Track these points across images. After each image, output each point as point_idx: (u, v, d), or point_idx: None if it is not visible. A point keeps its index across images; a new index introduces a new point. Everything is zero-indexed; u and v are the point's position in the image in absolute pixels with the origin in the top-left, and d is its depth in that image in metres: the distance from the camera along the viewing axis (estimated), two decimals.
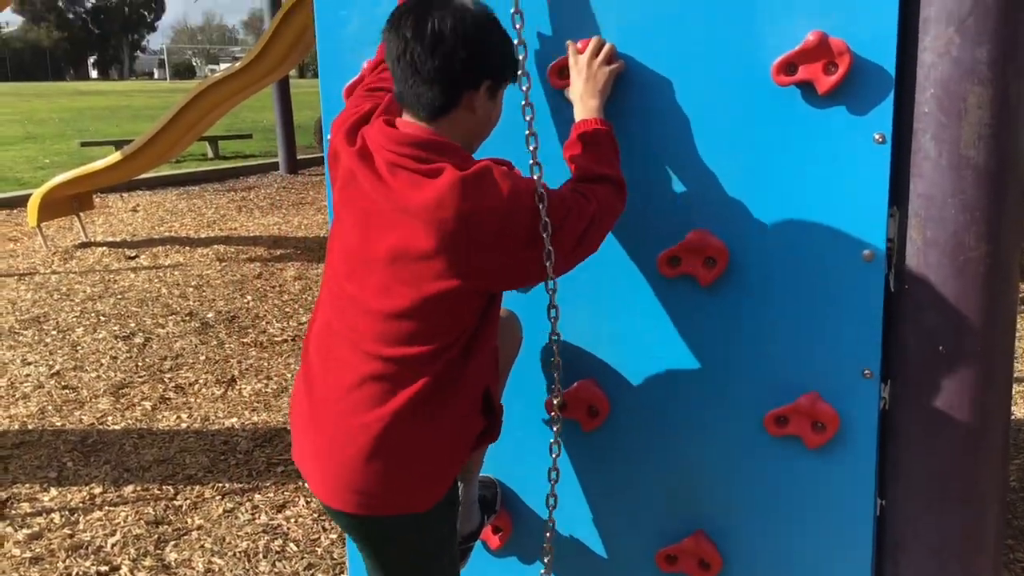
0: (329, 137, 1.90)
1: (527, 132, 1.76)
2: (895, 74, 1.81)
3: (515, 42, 1.73)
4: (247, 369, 4.87)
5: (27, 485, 3.54)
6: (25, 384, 4.70)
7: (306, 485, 3.46)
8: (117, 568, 2.96)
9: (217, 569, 2.95)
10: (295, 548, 3.08)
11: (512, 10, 1.78)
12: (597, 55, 1.94)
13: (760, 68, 1.89)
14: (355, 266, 1.71)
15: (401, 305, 1.64)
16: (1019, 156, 1.80)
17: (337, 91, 2.21)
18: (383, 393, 1.67)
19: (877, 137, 1.83)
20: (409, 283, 1.63)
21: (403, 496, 1.73)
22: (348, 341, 1.72)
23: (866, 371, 1.93)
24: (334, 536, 3.13)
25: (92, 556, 3.04)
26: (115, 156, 8.38)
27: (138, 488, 3.51)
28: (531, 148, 1.75)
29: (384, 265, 1.65)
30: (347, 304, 1.73)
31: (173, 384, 4.67)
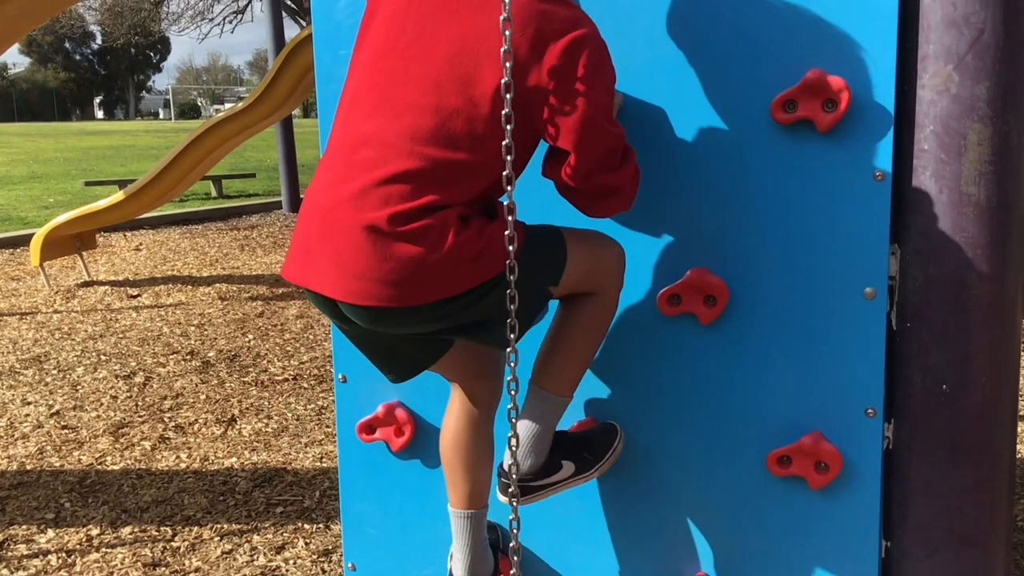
0: None
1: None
2: (894, 111, 1.81)
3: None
4: (247, 408, 4.84)
5: (24, 526, 3.51)
6: (24, 424, 4.68)
7: (306, 526, 3.43)
8: None
9: None
10: None
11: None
12: None
13: (760, 106, 1.88)
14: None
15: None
16: (1020, 193, 1.80)
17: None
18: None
19: (877, 174, 1.82)
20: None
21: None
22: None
23: (869, 410, 1.91)
24: None
25: None
26: (118, 195, 8.41)
27: (136, 529, 3.47)
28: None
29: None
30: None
31: (173, 424, 4.64)
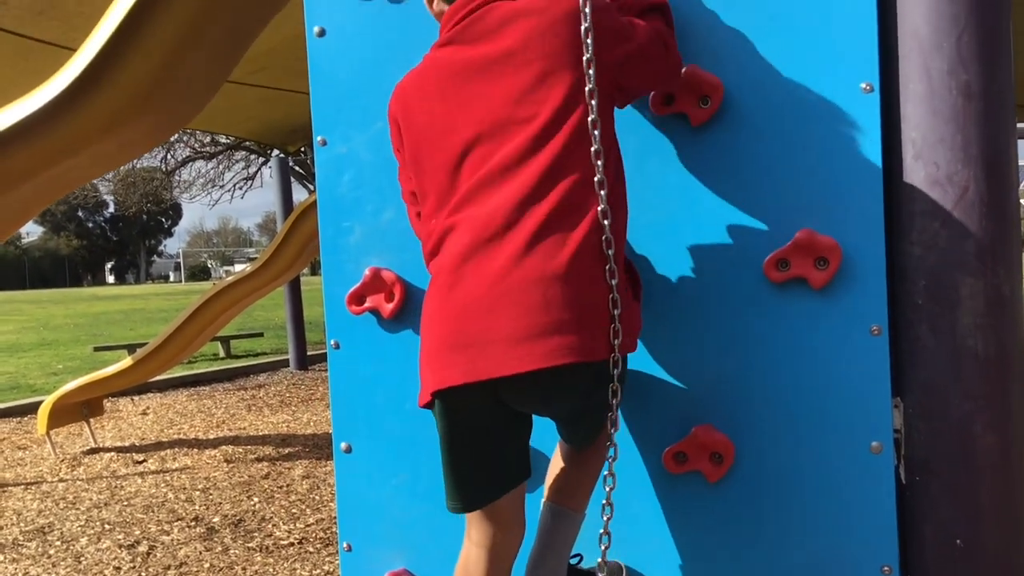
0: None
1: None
2: (886, 267, 1.84)
3: None
4: None
5: None
6: None
7: None
8: None
9: None
10: None
11: None
12: None
13: (754, 265, 1.92)
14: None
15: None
16: (1018, 343, 1.81)
17: (340, 299, 2.25)
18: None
19: (874, 329, 1.85)
20: None
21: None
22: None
23: (885, 567, 1.87)
24: None
25: None
26: (126, 361, 8.45)
27: None
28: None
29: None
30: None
31: None
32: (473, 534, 1.86)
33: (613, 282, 1.64)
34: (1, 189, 3.10)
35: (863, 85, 1.84)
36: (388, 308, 2.21)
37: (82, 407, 8.25)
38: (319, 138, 2.26)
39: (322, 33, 2.22)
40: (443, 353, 1.70)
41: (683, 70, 1.93)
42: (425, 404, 1.76)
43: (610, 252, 1.63)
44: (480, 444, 1.78)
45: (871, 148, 1.84)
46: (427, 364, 1.74)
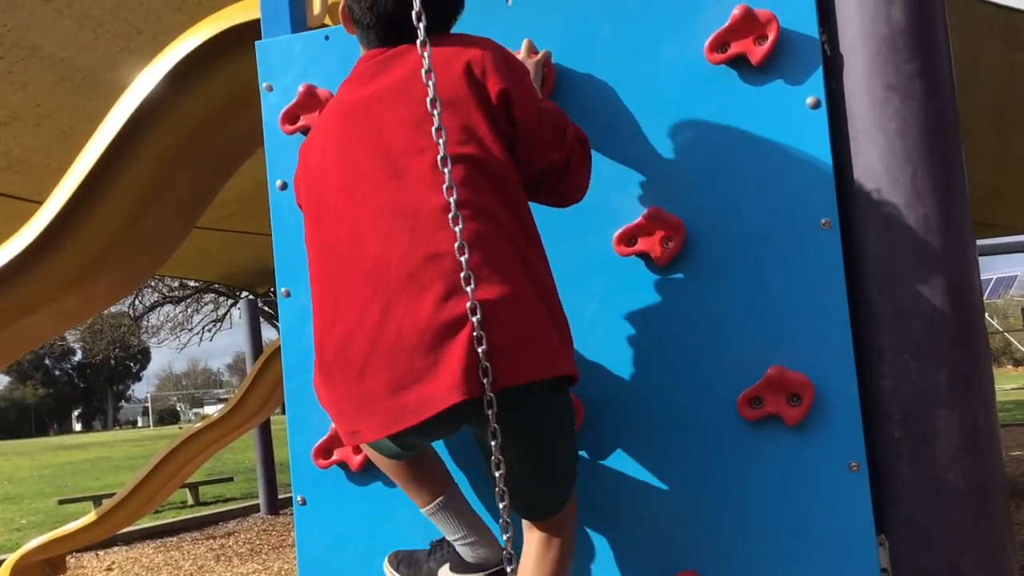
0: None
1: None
2: (860, 401, 1.82)
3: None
4: None
5: None
6: None
7: None
8: None
9: None
10: None
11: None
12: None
13: (728, 403, 1.90)
14: None
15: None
16: (1000, 473, 1.78)
17: (306, 453, 2.19)
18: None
19: (853, 465, 1.82)
20: None
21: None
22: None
23: None
24: None
25: None
26: (91, 516, 8.19)
27: None
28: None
29: None
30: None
31: None
32: None
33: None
34: None
35: (823, 221, 1.86)
36: (356, 460, 2.15)
37: (44, 566, 7.94)
38: (283, 289, 2.25)
39: (284, 187, 2.23)
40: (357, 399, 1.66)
41: (645, 211, 1.94)
42: None
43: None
44: None
45: (835, 283, 1.84)
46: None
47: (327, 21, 2.41)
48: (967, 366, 1.75)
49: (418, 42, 1.55)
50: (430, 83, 1.54)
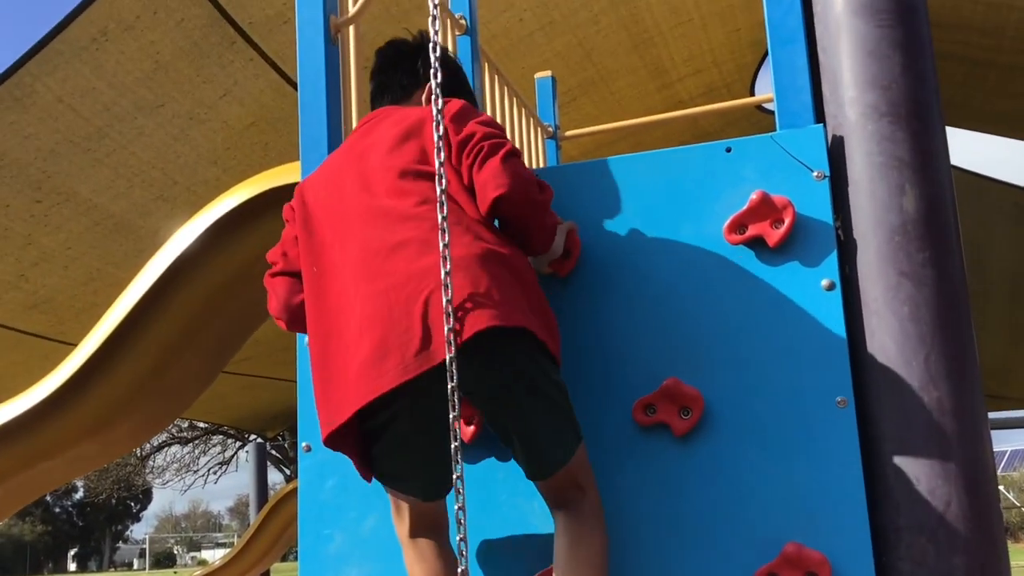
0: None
1: None
2: None
3: None
4: None
5: None
6: None
7: None
8: None
9: None
10: None
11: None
12: None
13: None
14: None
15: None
16: None
17: None
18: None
19: None
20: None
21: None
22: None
23: None
24: None
25: None
26: None
27: None
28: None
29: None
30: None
31: None
32: None
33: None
34: None
35: (839, 400, 1.90)
36: None
37: None
38: (304, 444, 2.27)
39: None
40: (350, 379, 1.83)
41: (664, 382, 1.98)
42: None
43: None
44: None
45: (851, 462, 1.87)
46: None
47: None
48: (984, 552, 1.75)
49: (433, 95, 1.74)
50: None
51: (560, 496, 1.88)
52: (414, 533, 1.98)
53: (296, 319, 2.04)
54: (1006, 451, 33.60)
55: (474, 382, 1.75)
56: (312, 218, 2.02)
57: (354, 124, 2.52)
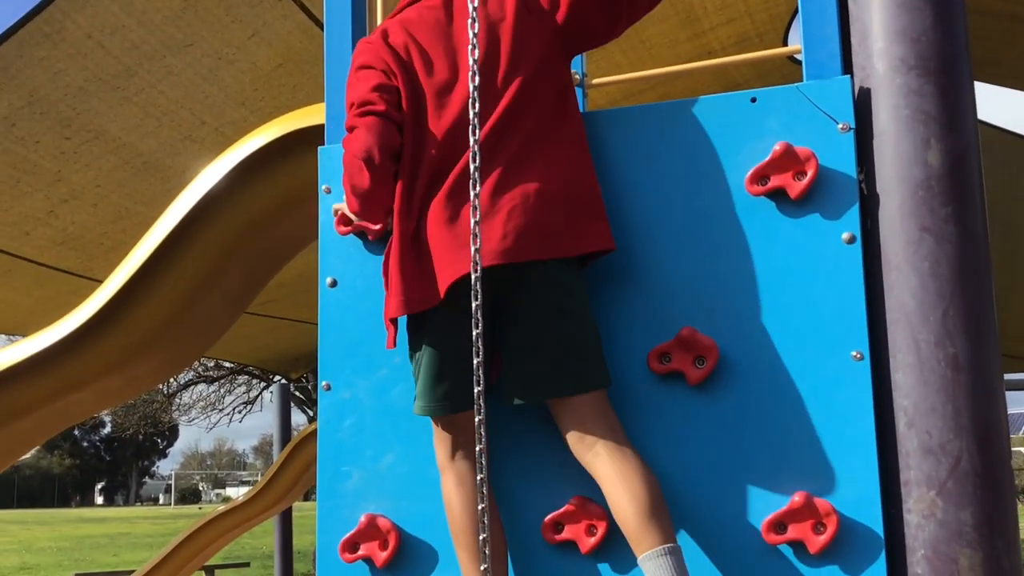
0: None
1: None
2: (884, 535, 1.84)
3: None
4: None
5: None
6: None
7: None
8: None
9: None
10: None
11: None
12: None
13: (753, 529, 1.92)
14: None
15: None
16: None
17: (334, 546, 2.22)
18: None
19: None
20: None
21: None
22: None
23: None
24: None
25: None
26: None
27: None
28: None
29: None
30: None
31: None
32: None
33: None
34: (2, 422, 3.13)
35: (854, 353, 1.91)
36: (382, 556, 2.18)
37: None
38: (324, 383, 2.31)
39: (334, 284, 2.32)
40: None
41: (680, 331, 2.00)
42: None
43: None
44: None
45: (863, 415, 1.88)
46: None
47: None
48: (992, 507, 1.77)
49: None
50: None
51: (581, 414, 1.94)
52: (454, 455, 2.05)
53: None
54: (1020, 412, 33.38)
55: None
56: None
57: None
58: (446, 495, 2.06)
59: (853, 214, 1.95)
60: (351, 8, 2.44)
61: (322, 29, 2.49)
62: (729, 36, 5.88)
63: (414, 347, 2.07)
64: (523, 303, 1.95)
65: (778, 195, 2.00)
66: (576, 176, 1.99)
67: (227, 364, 19.46)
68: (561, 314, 1.94)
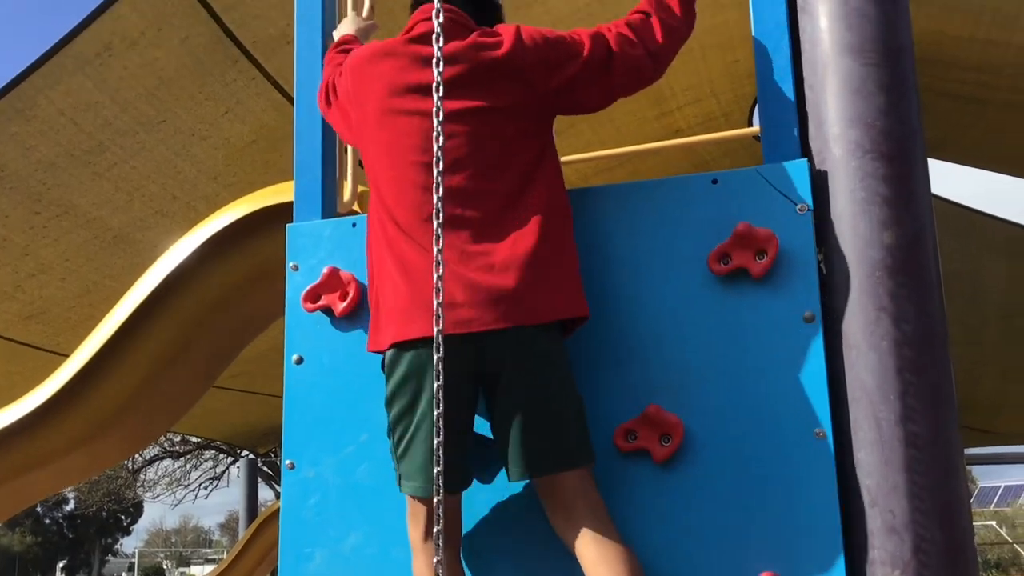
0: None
1: None
2: None
3: None
4: None
5: None
6: None
7: None
8: None
9: None
10: None
11: None
12: None
13: None
14: None
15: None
16: None
17: None
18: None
19: None
20: None
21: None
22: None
23: None
24: None
25: None
26: None
27: None
28: None
29: None
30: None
31: None
32: None
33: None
34: None
35: (816, 431, 1.92)
36: None
37: None
38: (288, 462, 2.29)
39: (300, 361, 2.31)
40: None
41: (646, 408, 2.01)
42: None
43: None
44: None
45: (827, 494, 1.89)
46: None
47: (356, 208, 2.56)
48: None
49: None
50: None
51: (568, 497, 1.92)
52: (427, 538, 1.99)
53: None
54: (999, 486, 33.47)
55: None
56: None
57: (348, 148, 2.56)
58: (416, 574, 2.02)
59: (813, 293, 1.99)
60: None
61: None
62: (696, 115, 6.01)
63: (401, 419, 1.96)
64: (505, 372, 1.89)
65: (740, 274, 2.03)
66: (548, 240, 1.95)
67: (193, 439, 19.18)
68: (542, 388, 1.91)
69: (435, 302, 1.64)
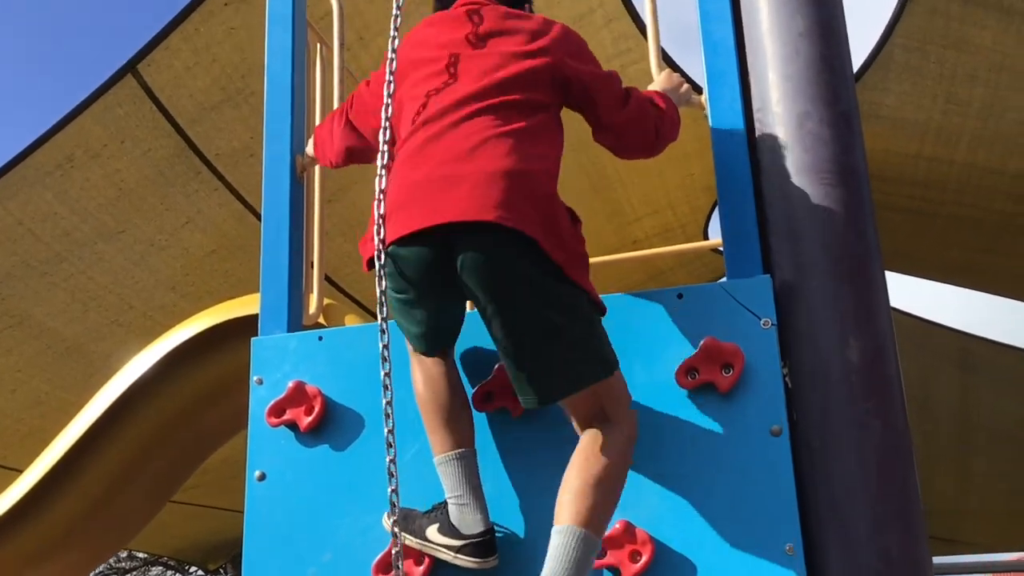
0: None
1: None
2: None
3: None
4: None
5: None
6: None
7: None
8: None
9: None
10: None
11: None
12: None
13: None
14: None
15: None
16: None
17: None
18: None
19: None
20: None
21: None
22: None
23: None
24: None
25: None
26: None
27: None
28: None
29: None
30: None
31: None
32: None
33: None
34: None
35: (787, 547, 1.91)
36: None
37: None
38: None
39: (263, 477, 2.27)
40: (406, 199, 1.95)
41: (615, 524, 1.98)
42: None
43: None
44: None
45: None
46: None
47: (321, 320, 2.55)
48: None
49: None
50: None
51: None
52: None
53: None
54: None
55: None
56: None
57: (315, 260, 2.56)
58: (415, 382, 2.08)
59: (779, 407, 2.00)
60: (288, 201, 2.49)
61: (257, 217, 2.54)
62: (653, 227, 6.13)
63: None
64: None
65: (707, 388, 2.04)
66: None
67: (140, 554, 18.52)
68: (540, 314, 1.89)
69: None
